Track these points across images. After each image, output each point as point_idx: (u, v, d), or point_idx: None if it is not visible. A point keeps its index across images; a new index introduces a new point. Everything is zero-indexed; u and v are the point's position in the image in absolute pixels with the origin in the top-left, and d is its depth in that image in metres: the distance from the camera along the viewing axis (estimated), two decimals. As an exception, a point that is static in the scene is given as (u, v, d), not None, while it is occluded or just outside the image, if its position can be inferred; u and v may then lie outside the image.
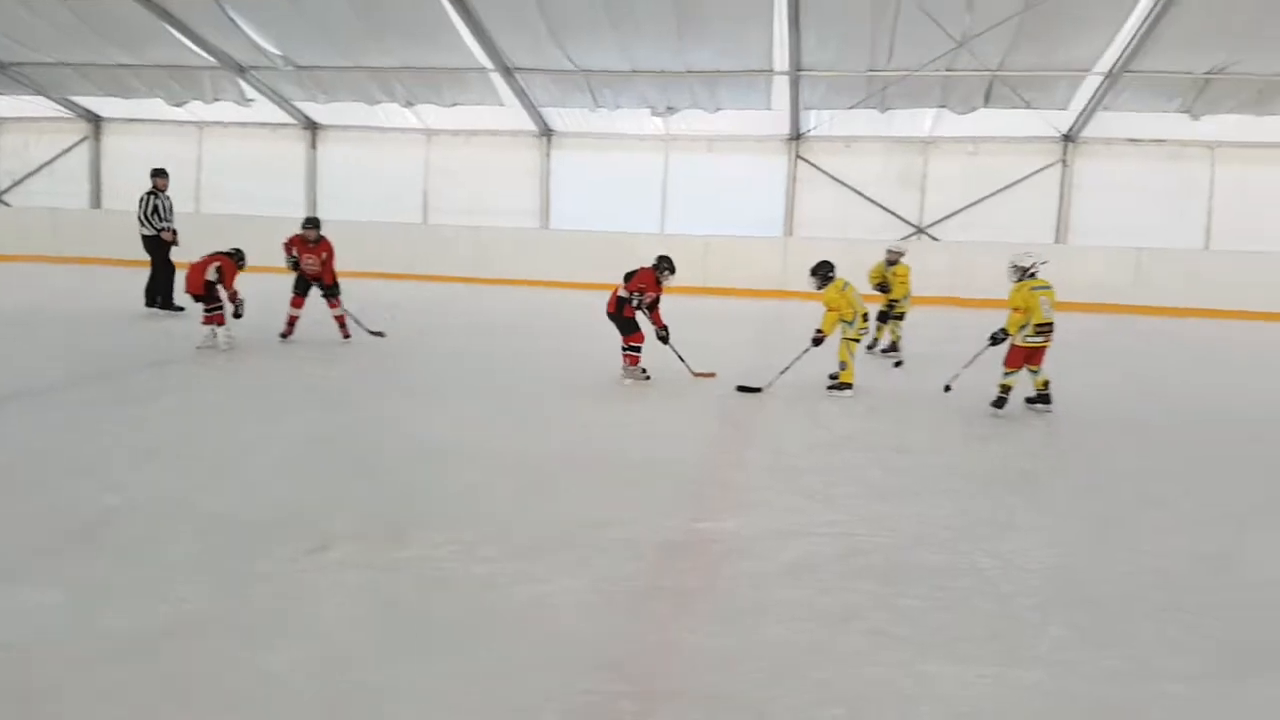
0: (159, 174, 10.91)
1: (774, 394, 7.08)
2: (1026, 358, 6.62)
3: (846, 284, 7.31)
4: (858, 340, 7.34)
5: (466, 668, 2.72)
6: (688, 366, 7.62)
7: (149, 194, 10.80)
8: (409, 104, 16.78)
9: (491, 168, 17.70)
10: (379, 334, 9.09)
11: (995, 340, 6.72)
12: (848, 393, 7.16)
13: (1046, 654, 2.89)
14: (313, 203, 17.94)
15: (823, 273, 7.34)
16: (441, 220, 17.87)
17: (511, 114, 16.73)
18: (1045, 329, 6.53)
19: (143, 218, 10.74)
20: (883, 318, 9.39)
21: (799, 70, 14.56)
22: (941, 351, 9.67)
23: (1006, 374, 6.64)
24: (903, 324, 9.45)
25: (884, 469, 5.14)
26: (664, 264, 7.58)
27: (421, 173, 18.02)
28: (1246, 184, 15.62)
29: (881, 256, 9.58)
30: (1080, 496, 4.79)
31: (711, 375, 7.59)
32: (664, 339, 7.57)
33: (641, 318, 7.46)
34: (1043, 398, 6.74)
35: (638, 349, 7.50)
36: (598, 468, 4.93)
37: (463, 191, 17.73)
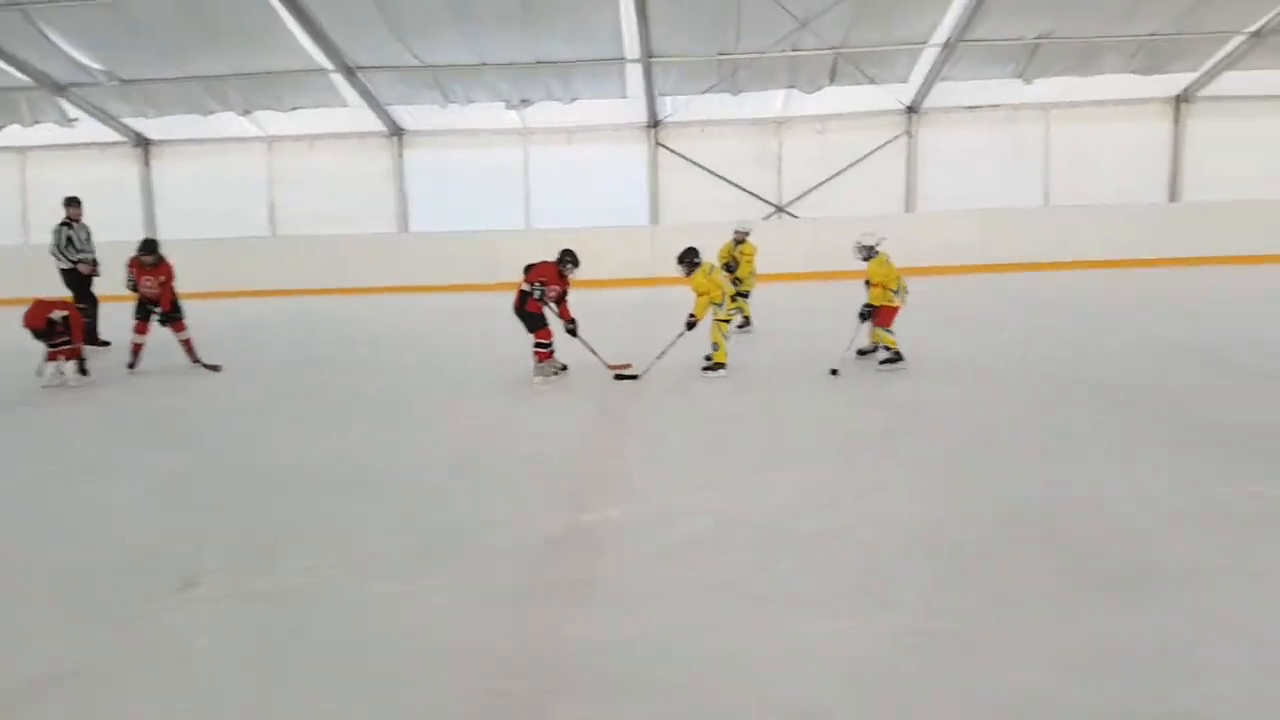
0: (71, 202, 10.07)
1: (650, 380, 7.20)
2: (884, 315, 7.30)
3: (713, 267, 7.50)
4: (728, 321, 7.53)
5: (355, 687, 2.68)
6: (602, 361, 7.58)
7: (62, 224, 9.98)
8: (246, 112, 16.13)
9: (341, 173, 17.18)
10: (214, 368, 8.39)
11: (864, 316, 7.34)
12: (721, 373, 7.34)
13: (911, 599, 3.07)
14: (151, 223, 17.04)
15: (689, 259, 7.49)
16: (291, 231, 17.21)
17: (358, 115, 16.32)
18: (902, 292, 7.31)
19: (56, 251, 9.92)
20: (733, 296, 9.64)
21: (650, 57, 14.72)
22: (808, 326, 10.06)
23: (889, 332, 7.33)
24: (749, 301, 9.76)
25: (758, 442, 5.32)
26: (567, 257, 7.53)
27: (265, 183, 17.32)
28: (1078, 142, 16.72)
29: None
30: (937, 448, 5.06)
31: (627, 367, 7.52)
32: (572, 332, 7.48)
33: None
34: (898, 355, 7.36)
35: (547, 345, 7.41)
36: (473, 473, 4.90)
37: (312, 200, 17.11)
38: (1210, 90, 16.09)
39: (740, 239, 9.77)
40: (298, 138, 17.12)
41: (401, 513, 4.26)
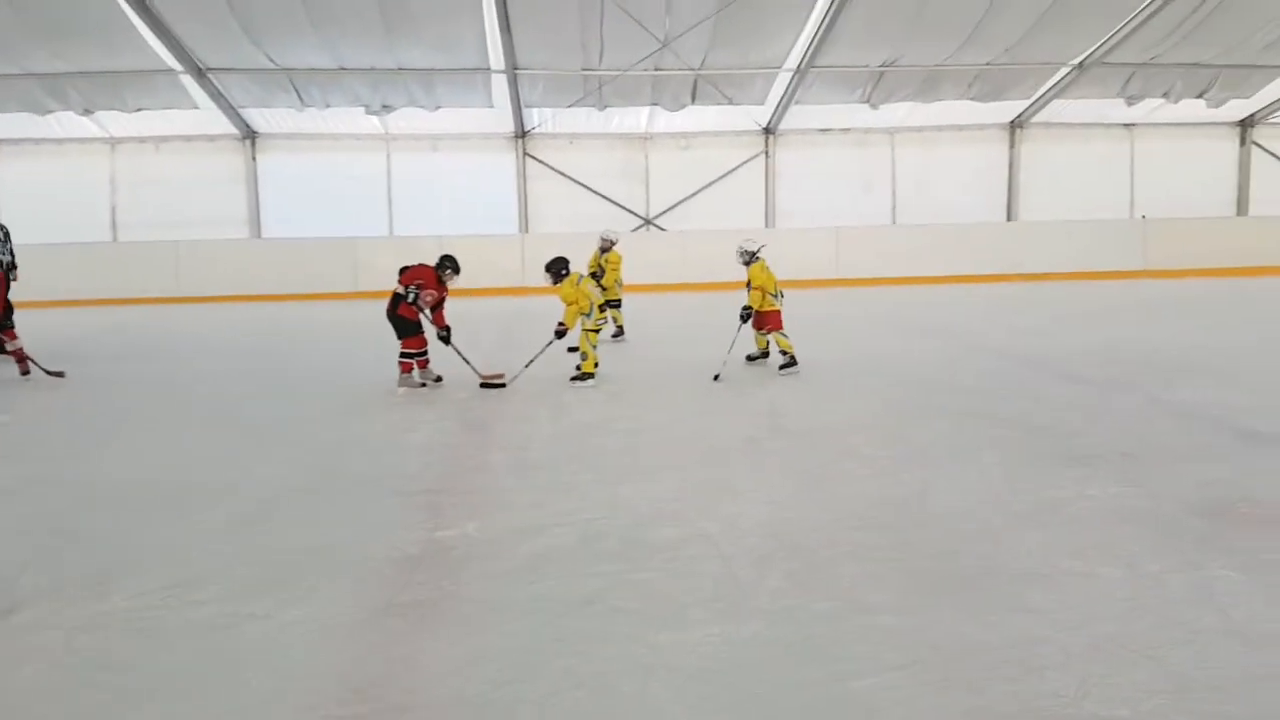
0: None
1: (518, 390, 7.14)
2: (772, 319, 7.65)
3: (582, 277, 7.51)
4: (597, 331, 7.55)
5: (192, 716, 2.54)
6: (474, 370, 7.40)
7: None
8: (87, 111, 15.22)
9: (189, 176, 16.43)
10: (58, 374, 7.88)
11: (744, 317, 7.64)
12: (589, 382, 7.35)
13: (764, 605, 3.13)
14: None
15: (556, 269, 7.48)
16: (135, 237, 16.35)
17: (208, 117, 15.67)
18: (780, 296, 7.73)
19: None
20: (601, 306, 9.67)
21: (515, 69, 14.69)
22: (677, 336, 10.22)
23: (782, 336, 7.66)
24: (621, 310, 9.89)
25: (622, 451, 5.35)
26: (447, 263, 7.30)
27: (107, 186, 16.38)
28: (923, 164, 17.68)
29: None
30: (792, 454, 5.23)
31: (500, 377, 7.35)
32: (445, 339, 7.21)
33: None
34: (765, 355, 7.88)
35: (413, 355, 7.16)
36: (327, 490, 4.72)
37: (158, 204, 16.32)
38: (1041, 117, 17.30)
39: (606, 247, 9.84)
40: (143, 139, 16.31)
41: (246, 533, 4.05)
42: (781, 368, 7.64)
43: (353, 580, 3.45)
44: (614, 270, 9.81)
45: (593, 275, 9.41)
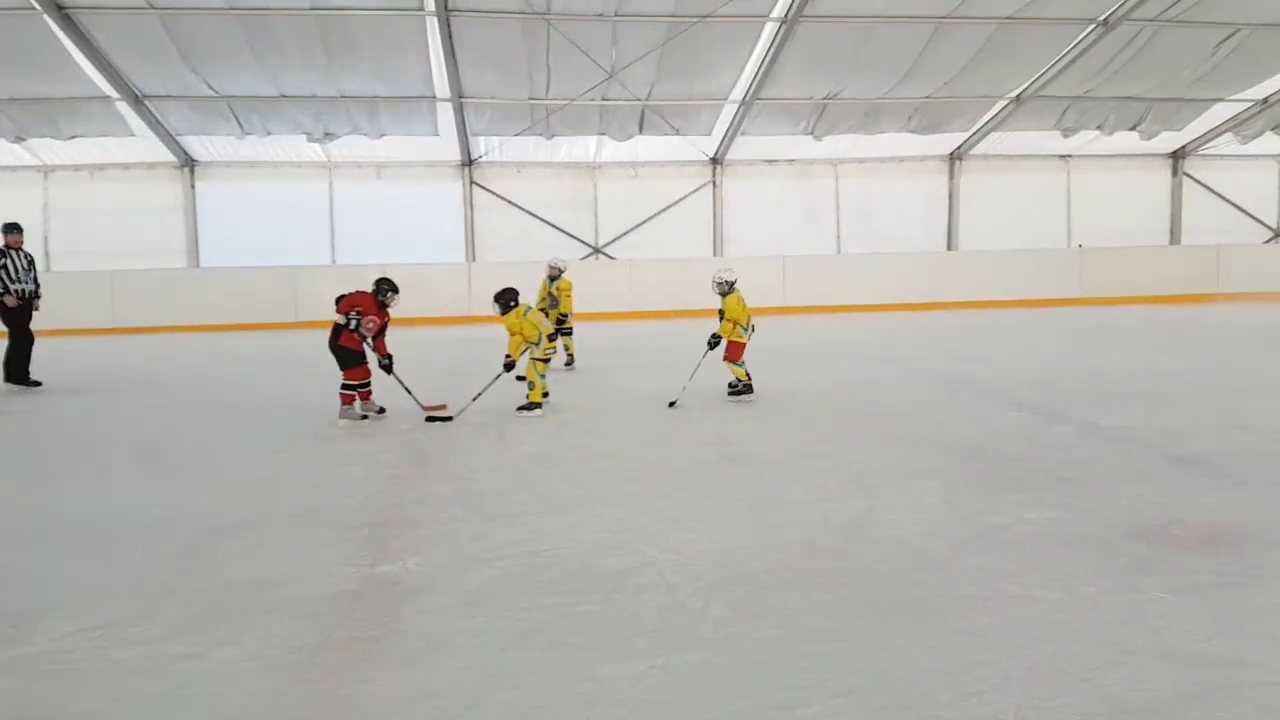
0: (9, 229, 9.29)
1: (464, 421, 7.06)
2: (734, 350, 7.68)
3: (529, 308, 7.42)
4: (547, 360, 7.49)
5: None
6: (417, 401, 7.29)
7: None
8: (19, 139, 14.89)
9: (126, 205, 16.13)
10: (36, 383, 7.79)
11: (712, 345, 7.64)
12: (537, 412, 7.30)
13: (709, 635, 3.11)
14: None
15: (504, 300, 7.40)
16: (69, 267, 15.96)
17: (145, 145, 15.41)
18: (750, 330, 7.75)
19: None
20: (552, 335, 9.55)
21: (461, 97, 14.69)
22: (626, 364, 10.21)
23: (739, 365, 7.71)
24: (572, 338, 9.85)
25: (569, 481, 5.30)
26: (385, 285, 7.12)
27: (40, 215, 15.99)
28: (866, 195, 18.03)
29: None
30: (736, 482, 5.24)
31: (443, 409, 7.24)
32: (386, 368, 7.08)
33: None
34: (748, 388, 7.82)
35: (355, 386, 7.02)
36: (263, 525, 4.59)
37: (93, 232, 16.00)
38: (980, 149, 17.77)
39: (555, 275, 9.82)
40: (78, 167, 15.98)
41: (179, 570, 3.92)
42: (731, 393, 7.73)
43: (289, 618, 3.35)
44: (567, 297, 9.78)
45: (543, 309, 9.31)
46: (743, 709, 2.63)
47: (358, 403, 7.14)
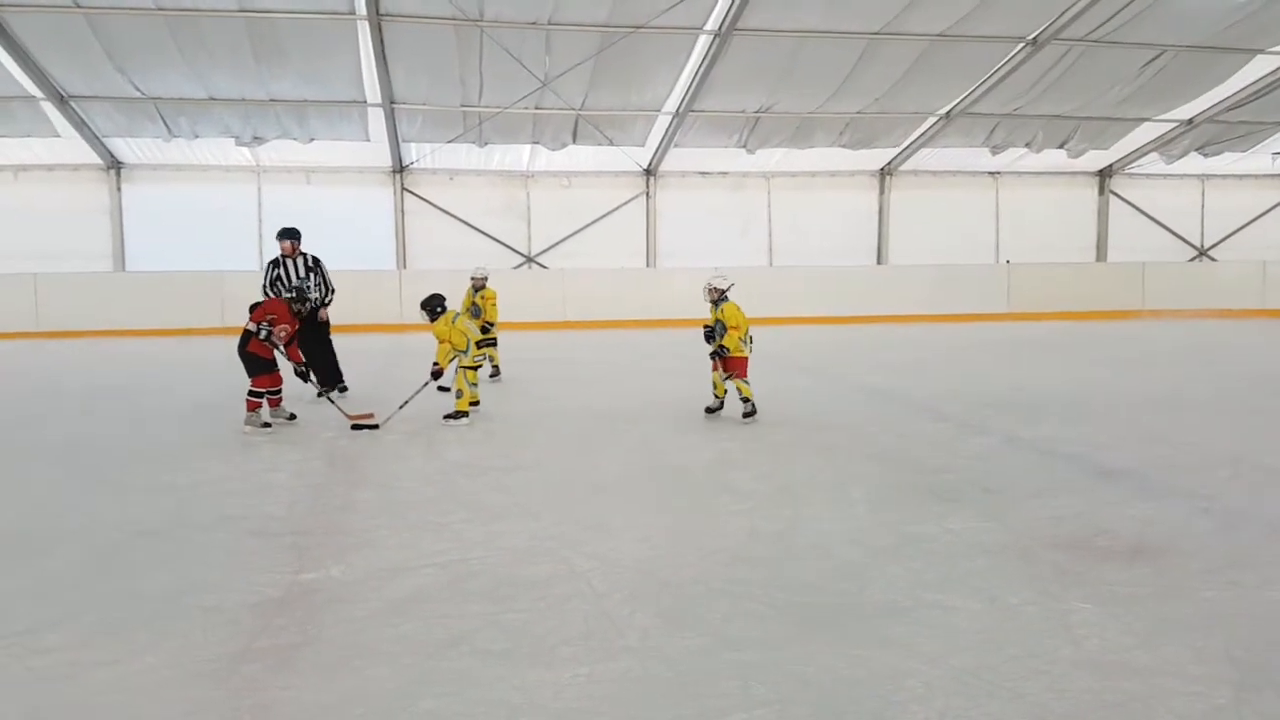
0: (283, 235, 8.74)
1: (390, 429, 6.94)
2: (740, 365, 7.31)
3: (457, 315, 7.38)
4: (475, 368, 7.41)
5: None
6: (342, 412, 7.15)
7: (271, 262, 8.72)
8: (-60, 139, 14.27)
9: (49, 207, 15.62)
10: None
11: (714, 346, 7.35)
12: (464, 421, 7.20)
13: (635, 643, 3.10)
14: None
15: (431, 306, 7.34)
16: (-11, 269, 15.37)
17: (70, 146, 14.93)
18: (748, 342, 7.37)
19: (264, 291, 8.54)
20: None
21: (393, 103, 14.51)
22: (556, 374, 10.14)
23: (745, 383, 7.30)
24: (497, 349, 9.64)
25: (496, 490, 5.24)
26: (299, 293, 7.17)
27: (-41, 215, 15.37)
28: (797, 208, 18.24)
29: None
30: (667, 492, 5.24)
31: (369, 417, 7.07)
32: (303, 376, 7.04)
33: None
34: (721, 406, 7.55)
35: (263, 393, 6.88)
36: (182, 532, 4.47)
37: (14, 235, 15.45)
38: (910, 164, 18.14)
39: (480, 285, 9.68)
40: (1, 168, 15.42)
41: (95, 578, 3.80)
42: (745, 415, 7.22)
43: (208, 626, 3.27)
44: (492, 307, 9.66)
45: (470, 312, 9.34)
46: (667, 718, 2.61)
47: (266, 409, 6.99)
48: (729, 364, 7.34)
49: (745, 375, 7.33)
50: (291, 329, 6.96)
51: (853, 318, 17.17)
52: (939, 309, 17.57)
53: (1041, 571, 3.81)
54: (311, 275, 8.71)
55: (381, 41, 12.88)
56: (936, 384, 9.41)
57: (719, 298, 7.39)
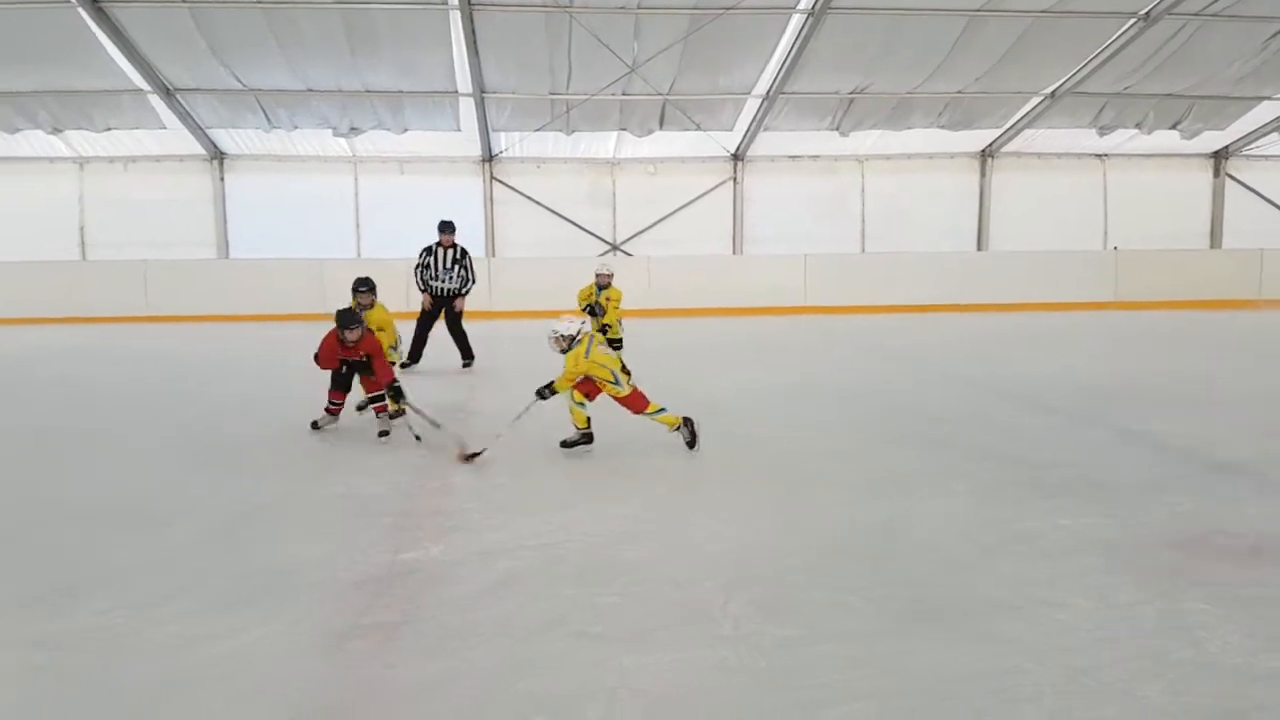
0: (443, 228, 9.75)
1: (483, 414, 7.03)
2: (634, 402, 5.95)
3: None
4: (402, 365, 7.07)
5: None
6: (428, 420, 6.31)
7: (424, 250, 9.75)
8: (56, 130, 15.08)
9: (158, 196, 16.27)
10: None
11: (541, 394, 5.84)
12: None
13: (730, 631, 3.06)
14: (-51, 244, 15.71)
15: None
16: (102, 255, 16.19)
17: (176, 137, 15.56)
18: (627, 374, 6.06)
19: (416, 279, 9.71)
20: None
21: (483, 93, 14.68)
22: (641, 362, 10.11)
23: (652, 414, 5.86)
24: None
25: (587, 475, 5.27)
26: (344, 317, 6.41)
27: (76, 205, 16.21)
28: (892, 192, 17.78)
29: (591, 279, 9.35)
30: (758, 481, 5.14)
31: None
32: (396, 395, 6.33)
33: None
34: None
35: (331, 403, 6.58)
36: (288, 511, 4.63)
37: (126, 223, 16.17)
38: (1012, 146, 17.51)
39: (604, 283, 9.17)
40: (112, 159, 16.18)
41: (207, 552, 3.95)
42: (688, 445, 5.80)
43: (316, 601, 3.38)
44: (615, 308, 9.16)
45: (590, 311, 8.58)
46: (765, 708, 2.57)
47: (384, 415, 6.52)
48: (628, 403, 5.86)
49: (646, 407, 5.86)
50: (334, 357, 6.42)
51: (951, 306, 16.66)
52: (1042, 297, 16.92)
53: (1156, 570, 3.64)
54: (456, 266, 9.63)
55: (473, 31, 13.03)
56: (1041, 375, 9.04)
57: (568, 347, 5.73)
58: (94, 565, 3.79)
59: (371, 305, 7.23)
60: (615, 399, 5.83)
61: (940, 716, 2.53)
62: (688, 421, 5.82)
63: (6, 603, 3.36)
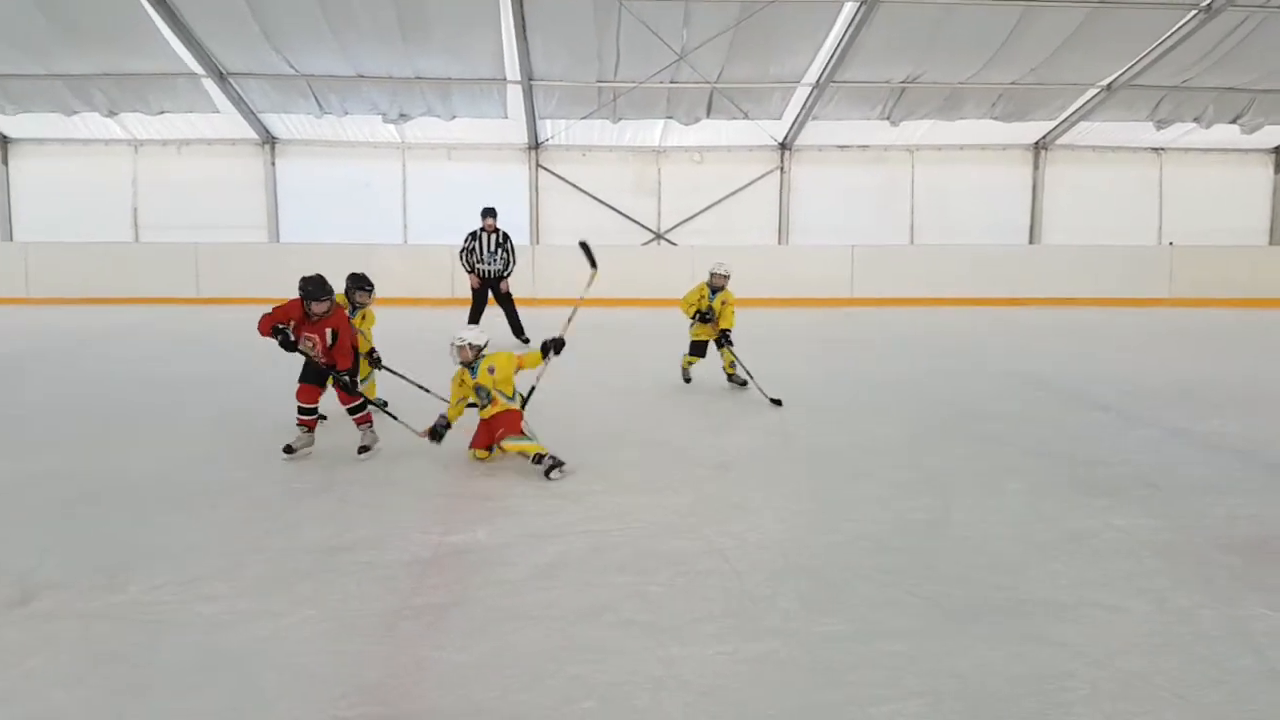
0: (485, 214, 10.65)
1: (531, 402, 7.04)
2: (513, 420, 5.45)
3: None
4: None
5: (204, 709, 2.53)
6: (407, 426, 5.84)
7: (470, 234, 10.68)
8: (112, 113, 15.33)
9: (210, 179, 16.48)
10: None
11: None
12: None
13: (777, 624, 3.05)
14: (7, 223, 16.10)
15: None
16: (155, 238, 16.43)
17: (229, 121, 15.75)
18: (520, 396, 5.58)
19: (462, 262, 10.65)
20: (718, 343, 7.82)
21: (531, 80, 14.69)
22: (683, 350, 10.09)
23: (518, 439, 5.22)
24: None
25: (632, 464, 5.25)
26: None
27: (130, 186, 16.48)
28: (943, 184, 17.49)
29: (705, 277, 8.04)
30: (805, 474, 5.11)
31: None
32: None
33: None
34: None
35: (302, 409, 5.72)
36: (337, 493, 4.68)
37: (179, 205, 16.40)
38: (1067, 139, 17.14)
39: (719, 285, 7.86)
40: (165, 142, 16.39)
41: (257, 532, 4.02)
42: (546, 473, 4.95)
43: (365, 582, 3.43)
44: (731, 313, 7.84)
45: (701, 317, 7.82)
46: (814, 702, 2.56)
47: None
48: (500, 421, 5.32)
49: (518, 430, 5.29)
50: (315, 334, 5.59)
51: (1002, 299, 16.38)
52: (1096, 292, 16.56)
53: (1215, 574, 3.56)
54: (499, 249, 10.48)
55: (522, 17, 13.04)
56: (1095, 371, 8.85)
57: (473, 359, 5.36)
58: (146, 542, 3.87)
59: (365, 305, 6.98)
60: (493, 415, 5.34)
61: (994, 717, 2.49)
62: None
63: (61, 577, 3.44)
